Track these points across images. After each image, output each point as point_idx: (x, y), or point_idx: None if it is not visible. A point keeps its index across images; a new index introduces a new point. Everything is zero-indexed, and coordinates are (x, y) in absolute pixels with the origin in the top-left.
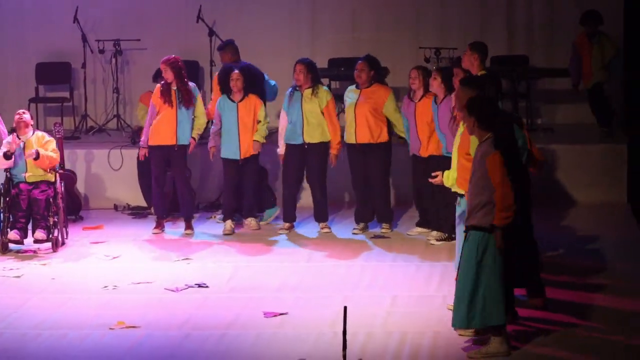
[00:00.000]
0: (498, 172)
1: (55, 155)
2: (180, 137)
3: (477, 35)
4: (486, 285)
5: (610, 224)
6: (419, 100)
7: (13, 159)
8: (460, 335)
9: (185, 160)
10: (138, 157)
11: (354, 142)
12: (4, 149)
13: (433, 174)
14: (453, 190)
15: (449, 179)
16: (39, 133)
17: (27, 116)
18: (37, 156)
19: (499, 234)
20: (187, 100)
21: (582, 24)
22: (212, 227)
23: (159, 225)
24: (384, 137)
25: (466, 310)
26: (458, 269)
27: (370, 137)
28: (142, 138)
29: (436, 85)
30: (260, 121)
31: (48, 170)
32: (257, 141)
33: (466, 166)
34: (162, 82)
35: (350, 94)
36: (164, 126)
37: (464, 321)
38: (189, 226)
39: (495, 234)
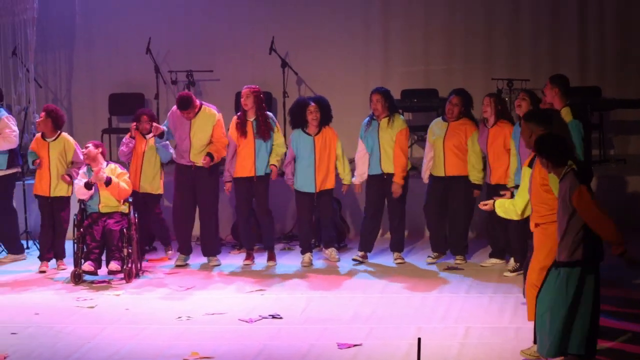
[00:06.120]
0: (590, 207)
1: (128, 188)
2: (259, 168)
3: (549, 67)
4: (579, 317)
5: None
6: (492, 127)
7: (93, 189)
8: None
9: (267, 191)
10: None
11: (442, 175)
12: (83, 179)
13: (483, 202)
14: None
15: (510, 209)
16: (112, 165)
17: (91, 148)
18: (109, 182)
19: (627, 260)
20: (264, 131)
21: None
22: (289, 258)
23: (249, 257)
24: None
25: (559, 341)
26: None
27: (458, 170)
28: (225, 173)
29: (525, 106)
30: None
31: (122, 202)
32: (274, 165)
33: (544, 198)
34: (239, 113)
35: (438, 127)
36: (243, 158)
37: (555, 351)
38: (271, 257)
39: (625, 260)
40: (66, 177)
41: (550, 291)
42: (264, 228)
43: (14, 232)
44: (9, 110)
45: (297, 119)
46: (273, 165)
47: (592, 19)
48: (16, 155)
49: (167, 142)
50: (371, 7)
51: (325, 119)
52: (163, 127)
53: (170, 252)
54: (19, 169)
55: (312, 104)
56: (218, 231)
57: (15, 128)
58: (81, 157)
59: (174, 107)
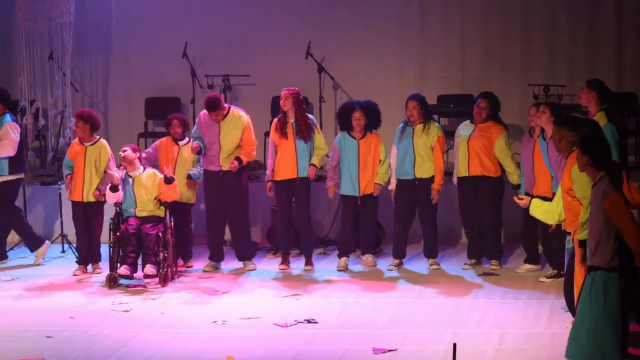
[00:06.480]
0: (622, 213)
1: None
2: (302, 170)
3: (585, 73)
4: (613, 324)
5: None
6: (538, 137)
7: (122, 192)
8: None
9: (309, 194)
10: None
11: (466, 174)
12: (108, 182)
13: (518, 196)
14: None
15: (549, 211)
16: (149, 170)
17: (129, 152)
18: (170, 181)
19: None
20: (304, 131)
21: None
22: (325, 262)
23: (285, 261)
24: (496, 171)
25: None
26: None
27: (482, 170)
28: (267, 172)
29: (545, 119)
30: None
31: (159, 205)
32: (314, 165)
33: (570, 204)
34: (279, 115)
35: (465, 128)
36: (285, 160)
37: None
38: (309, 262)
39: None
40: (96, 192)
41: (588, 301)
42: (302, 233)
43: (25, 229)
44: (14, 116)
45: (344, 122)
46: (312, 164)
47: (628, 25)
48: (19, 161)
49: (200, 169)
50: (408, 12)
51: (372, 124)
52: (199, 144)
53: (191, 266)
54: (23, 175)
55: (357, 109)
56: (250, 235)
57: (16, 137)
58: (114, 168)
59: (202, 113)
